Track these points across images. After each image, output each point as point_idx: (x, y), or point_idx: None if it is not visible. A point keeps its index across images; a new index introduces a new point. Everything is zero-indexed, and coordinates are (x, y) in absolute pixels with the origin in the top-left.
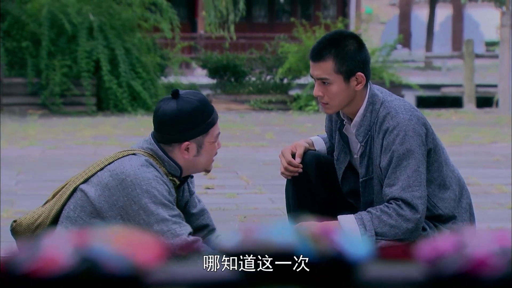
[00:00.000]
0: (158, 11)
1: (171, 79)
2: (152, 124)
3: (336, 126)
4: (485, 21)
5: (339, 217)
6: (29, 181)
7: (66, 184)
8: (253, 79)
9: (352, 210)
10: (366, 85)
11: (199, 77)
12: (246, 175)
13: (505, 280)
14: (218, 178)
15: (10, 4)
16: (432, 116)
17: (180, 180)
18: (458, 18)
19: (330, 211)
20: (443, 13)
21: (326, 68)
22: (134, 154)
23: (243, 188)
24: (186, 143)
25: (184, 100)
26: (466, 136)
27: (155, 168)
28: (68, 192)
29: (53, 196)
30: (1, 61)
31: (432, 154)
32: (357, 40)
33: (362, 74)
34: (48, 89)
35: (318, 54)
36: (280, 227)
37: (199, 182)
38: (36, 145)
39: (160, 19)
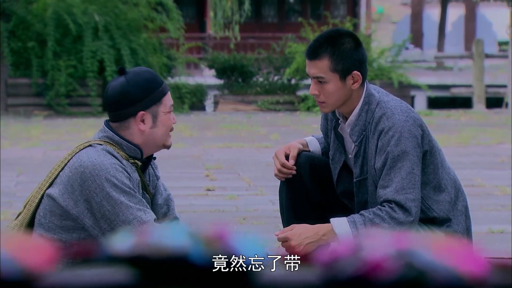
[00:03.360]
0: (164, 12)
1: (178, 79)
2: (106, 107)
3: (332, 125)
4: (498, 21)
5: (331, 220)
6: (29, 182)
7: (34, 192)
8: (261, 79)
9: (346, 212)
10: (362, 84)
11: (207, 77)
12: (248, 176)
13: (400, 283)
14: (219, 180)
15: (16, 5)
16: (441, 116)
17: (142, 162)
18: (470, 18)
19: (324, 213)
20: (456, 12)
21: (322, 66)
22: (90, 145)
23: (244, 190)
24: (141, 113)
25: (131, 73)
26: (473, 137)
27: (113, 155)
28: (37, 200)
29: (24, 207)
30: (7, 62)
31: (428, 156)
32: (354, 39)
33: (359, 73)
34: (53, 89)
35: (314, 52)
36: (173, 230)
37: (199, 183)
38: (39, 146)
39: (166, 20)
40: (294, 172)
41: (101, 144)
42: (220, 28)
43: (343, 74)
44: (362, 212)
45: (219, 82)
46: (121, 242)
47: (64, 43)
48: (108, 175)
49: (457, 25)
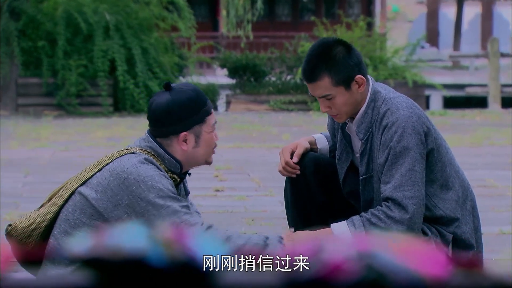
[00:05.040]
0: (175, 10)
1: (190, 79)
2: (148, 120)
3: (339, 124)
4: None
5: (331, 225)
6: (36, 183)
7: (63, 186)
8: (273, 79)
9: (351, 212)
10: (367, 84)
11: (220, 77)
12: (258, 177)
13: (360, 285)
14: (229, 180)
15: (26, 3)
16: (456, 116)
17: (180, 177)
18: (487, 16)
19: (328, 213)
20: (472, 11)
21: (324, 85)
22: (133, 153)
23: (253, 190)
24: (184, 133)
25: (177, 90)
26: (487, 137)
27: (155, 166)
28: (66, 195)
29: (49, 199)
30: (17, 61)
31: (435, 154)
32: (343, 44)
33: (361, 76)
34: (64, 89)
35: (311, 75)
36: (132, 232)
37: (208, 184)
38: (47, 147)
39: (177, 19)
40: (298, 171)
41: (143, 154)
42: (233, 27)
43: (347, 83)
44: (361, 213)
45: (231, 81)
46: (79, 244)
47: (75, 42)
48: (154, 181)
49: (474, 23)
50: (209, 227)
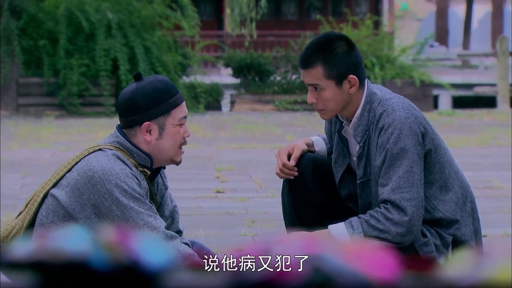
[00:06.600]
0: (179, 9)
1: (194, 78)
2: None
3: (335, 128)
4: None
5: (329, 226)
6: (35, 184)
7: (37, 191)
8: (278, 78)
9: (350, 214)
10: (362, 86)
11: (224, 76)
12: (260, 178)
13: None
14: (230, 181)
15: (27, 2)
16: (464, 116)
17: (151, 171)
18: (497, 15)
19: (326, 215)
20: (482, 9)
21: (316, 74)
22: (100, 150)
23: (254, 192)
24: (147, 123)
25: (144, 81)
26: (494, 137)
27: (123, 161)
28: (39, 199)
29: (26, 206)
30: (18, 60)
31: (434, 155)
32: (347, 42)
33: (354, 77)
34: (65, 89)
35: (306, 61)
36: (74, 234)
37: (209, 185)
38: (48, 147)
39: (180, 17)
40: (295, 173)
41: (111, 149)
42: (237, 26)
43: (339, 79)
44: (360, 215)
45: (236, 81)
46: (21, 247)
47: (76, 41)
48: (118, 180)
49: (484, 22)
50: (171, 236)
